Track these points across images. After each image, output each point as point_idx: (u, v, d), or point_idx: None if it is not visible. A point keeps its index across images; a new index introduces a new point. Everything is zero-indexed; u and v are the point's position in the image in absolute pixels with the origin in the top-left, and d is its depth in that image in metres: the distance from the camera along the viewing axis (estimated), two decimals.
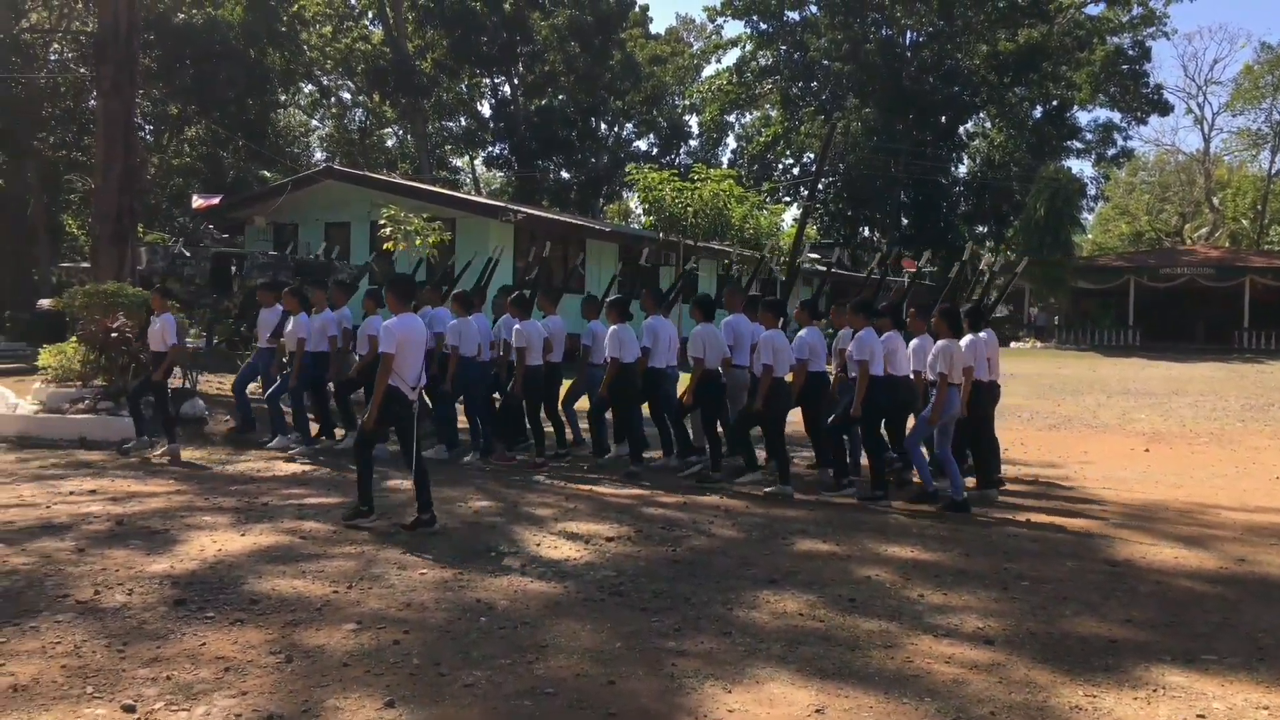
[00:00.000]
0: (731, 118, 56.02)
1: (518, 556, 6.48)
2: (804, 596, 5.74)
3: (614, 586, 5.84)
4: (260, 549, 6.51)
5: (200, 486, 8.60)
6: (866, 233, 53.46)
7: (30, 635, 4.77)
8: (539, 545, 6.79)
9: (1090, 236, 61.38)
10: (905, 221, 51.66)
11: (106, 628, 4.92)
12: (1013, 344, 39.11)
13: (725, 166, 45.17)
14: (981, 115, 51.99)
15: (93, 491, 8.26)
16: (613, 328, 9.56)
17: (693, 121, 57.22)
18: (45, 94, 28.61)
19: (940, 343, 8.36)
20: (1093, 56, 46.81)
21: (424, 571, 6.05)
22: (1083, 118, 51.32)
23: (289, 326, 10.50)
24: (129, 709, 3.98)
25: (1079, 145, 51.65)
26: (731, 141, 58.51)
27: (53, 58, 31.68)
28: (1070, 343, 36.95)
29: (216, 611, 5.20)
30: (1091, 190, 52.76)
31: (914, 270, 40.77)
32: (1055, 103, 49.29)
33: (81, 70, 28.80)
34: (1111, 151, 51.85)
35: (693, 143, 57.14)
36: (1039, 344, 37.80)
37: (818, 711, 4.16)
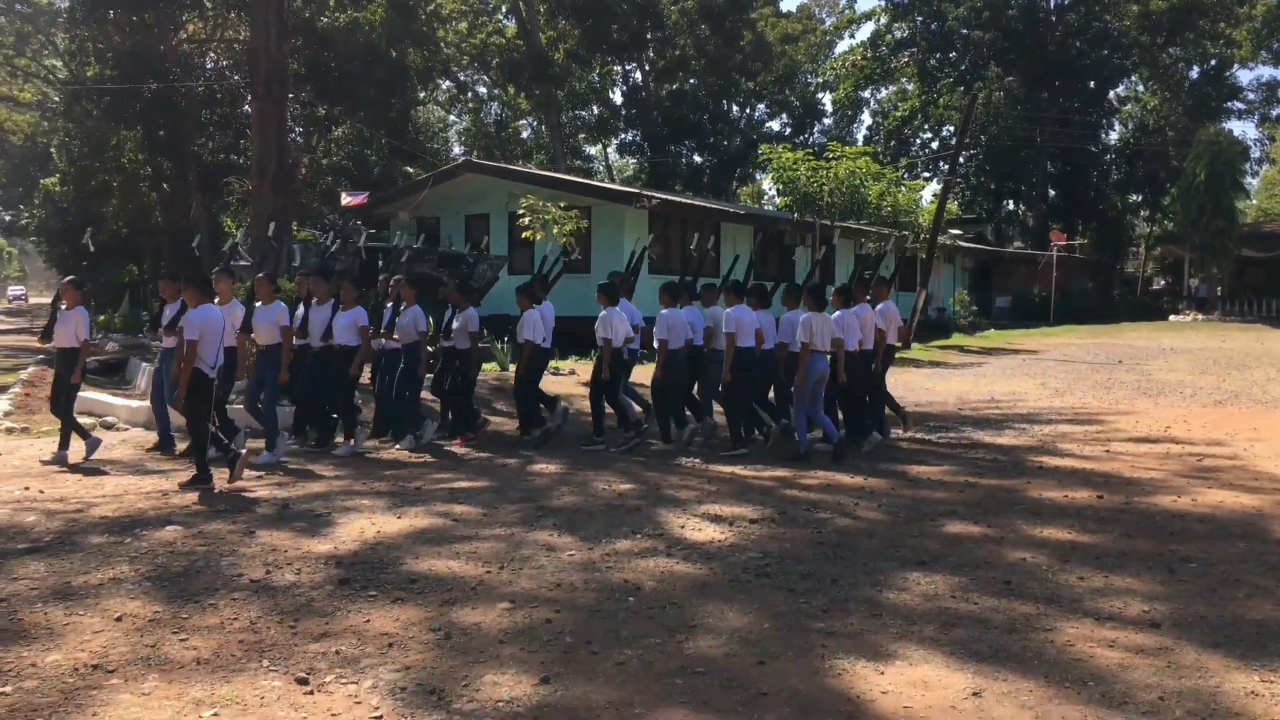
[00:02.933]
0: (866, 93, 54.95)
1: (662, 539, 6.53)
2: (955, 579, 5.62)
3: (760, 568, 5.84)
4: (415, 531, 6.75)
5: (356, 472, 8.96)
6: (1011, 206, 51.73)
7: (210, 611, 5.07)
8: (683, 527, 6.83)
9: (1255, 202, 57.91)
10: (1052, 193, 49.75)
11: (278, 605, 5.18)
12: (1171, 317, 37.29)
13: (860, 144, 44.36)
14: (1133, 79, 49.65)
15: (259, 477, 8.70)
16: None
17: (826, 99, 56.37)
18: (203, 101, 30.14)
19: (803, 315, 9.53)
20: (1254, 11, 44.03)
21: (572, 553, 6.16)
22: (1244, 76, 49.02)
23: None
24: (302, 681, 4.19)
25: (1240, 106, 48.79)
26: (866, 118, 57.43)
27: (209, 66, 33.37)
28: (1234, 314, 35.01)
29: (378, 590, 5.42)
30: (1255, 153, 49.77)
31: (1064, 243, 39.26)
32: (1213, 62, 46.63)
33: (235, 77, 30.23)
34: (1276, 111, 48.75)
35: (826, 121, 56.34)
36: (1200, 316, 35.93)
37: (975, 695, 4.07)
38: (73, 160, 32.75)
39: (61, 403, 9.55)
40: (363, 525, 6.85)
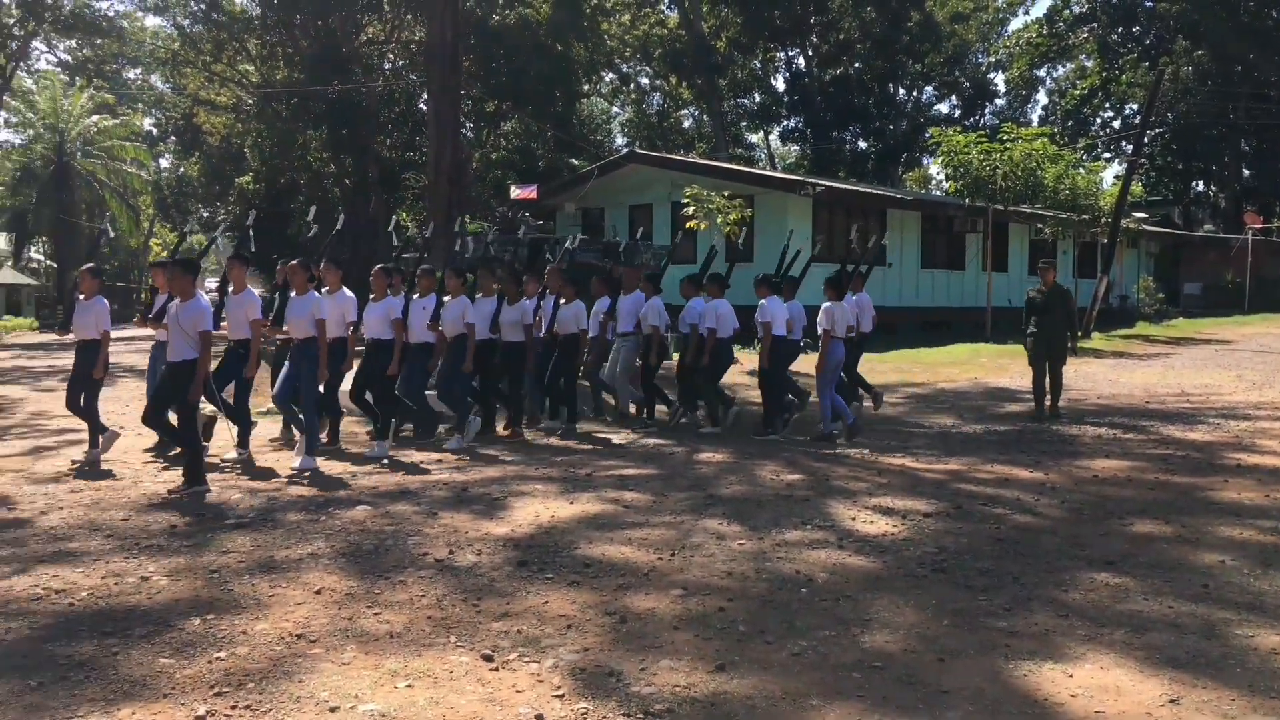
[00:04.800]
0: (1042, 72, 52.69)
1: (833, 530, 6.48)
2: (1146, 581, 5.37)
3: (936, 563, 5.72)
4: (587, 516, 6.90)
5: (528, 458, 9.22)
6: (1200, 188, 48.71)
7: (400, 588, 5.33)
8: (854, 519, 6.75)
9: None
10: (1246, 173, 46.56)
11: (462, 584, 5.40)
12: None
13: (1035, 125, 42.59)
14: None
15: (438, 461, 9.06)
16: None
17: (999, 79, 54.31)
18: (382, 100, 31.45)
19: (825, 304, 10.31)
20: None
21: (741, 542, 6.18)
22: None
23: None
24: (488, 658, 4.36)
25: None
26: (1042, 98, 55.10)
27: (387, 66, 34.79)
28: None
29: (554, 573, 5.57)
30: None
31: (1260, 226, 36.67)
32: None
33: (412, 76, 31.42)
34: None
35: (999, 102, 54.25)
36: None
37: (1172, 702, 3.89)
38: (264, 159, 34.75)
39: (78, 398, 8.93)
40: (537, 509, 7.05)
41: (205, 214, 48.43)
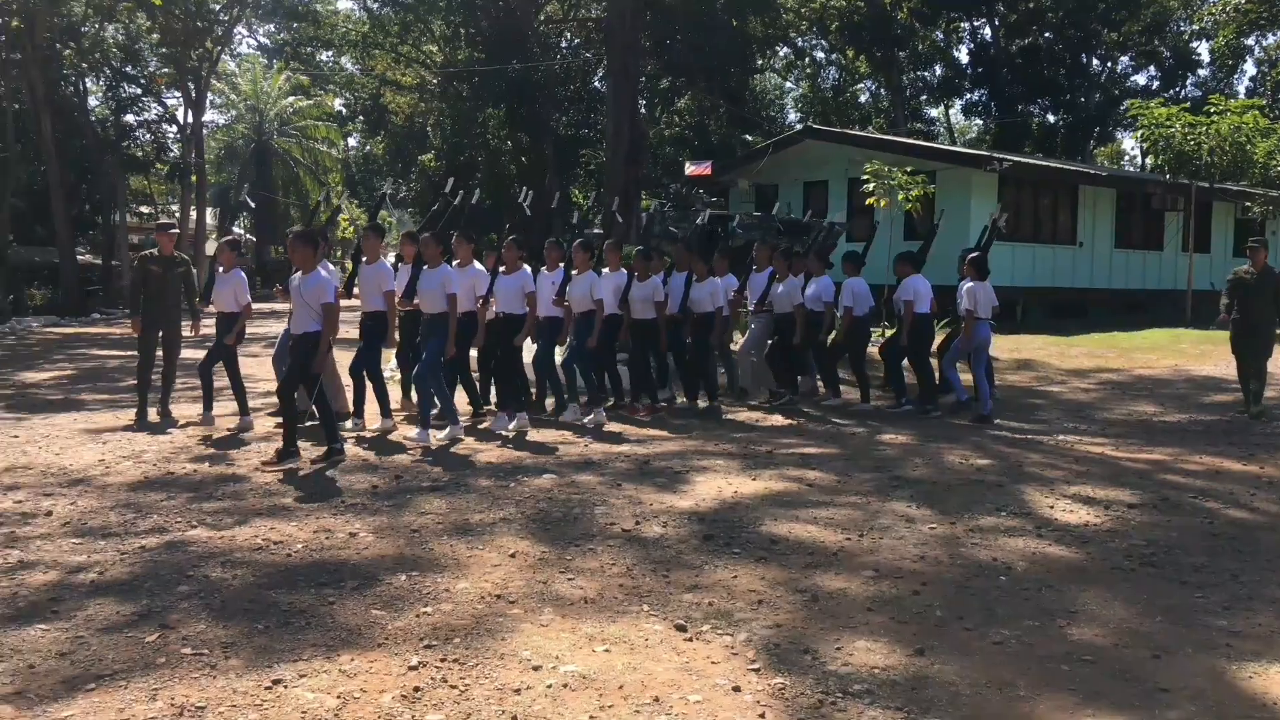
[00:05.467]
0: (1250, 40, 48.93)
1: (1030, 518, 6.24)
2: None
3: (1145, 556, 5.44)
4: (771, 494, 6.87)
5: (706, 434, 9.24)
6: None
7: (590, 555, 5.43)
8: (1051, 508, 6.49)
9: None
10: None
11: (650, 555, 5.47)
12: None
13: (1242, 97, 39.74)
14: None
15: (618, 435, 9.19)
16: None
17: (1202, 49, 50.82)
18: (559, 79, 31.98)
19: (966, 284, 10.05)
20: None
21: (933, 526, 6.03)
22: None
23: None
24: (680, 628, 4.39)
25: None
26: (1250, 68, 51.19)
27: (564, 45, 35.33)
28: None
29: (741, 548, 5.57)
30: None
31: None
32: None
33: (588, 54, 31.81)
34: None
35: (1201, 73, 50.78)
36: None
37: None
38: (445, 138, 35.94)
39: (211, 366, 9.34)
40: (719, 485, 7.06)
41: (389, 190, 50.54)
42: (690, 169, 21.77)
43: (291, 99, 52.28)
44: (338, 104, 50.95)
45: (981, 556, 5.45)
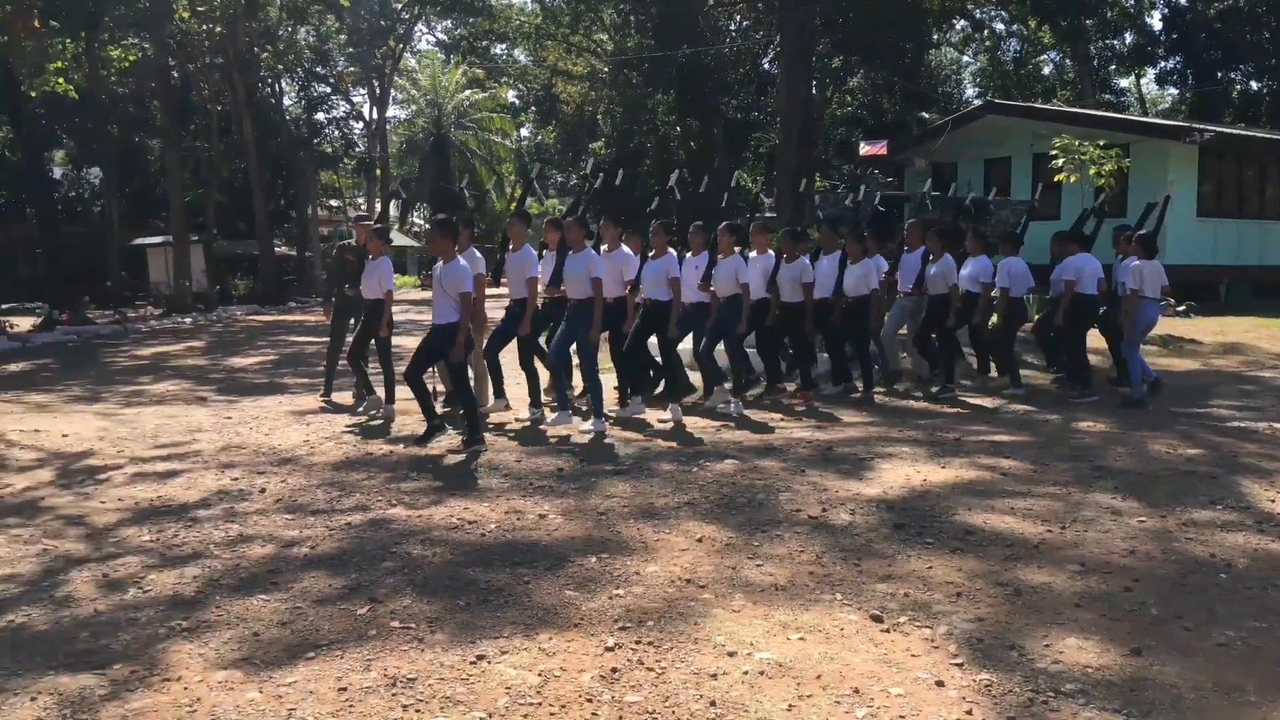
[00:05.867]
0: None
1: (1249, 512, 5.83)
2: None
3: None
4: (963, 482, 6.64)
5: (889, 420, 9.02)
6: None
7: (778, 542, 5.38)
8: (1273, 501, 6.04)
9: None
10: None
11: (839, 543, 5.37)
12: None
13: None
14: None
15: (797, 421, 9.08)
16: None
17: None
18: (729, 61, 31.80)
19: (1134, 262, 9.47)
20: None
21: (1141, 519, 5.70)
22: None
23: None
24: (876, 619, 4.30)
25: None
26: None
27: (732, 28, 35.10)
28: None
29: (934, 538, 5.41)
30: None
31: None
32: None
33: (759, 34, 31.47)
34: None
35: None
36: None
37: None
38: (615, 125, 36.30)
39: (358, 352, 9.52)
40: (907, 472, 6.88)
41: (560, 178, 51.57)
42: (865, 149, 21.27)
43: (468, 92, 53.89)
44: (511, 95, 52.28)
45: (1197, 552, 5.12)
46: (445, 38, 45.60)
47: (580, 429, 8.44)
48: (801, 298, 9.88)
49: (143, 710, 3.54)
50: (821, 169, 21.72)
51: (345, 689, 3.68)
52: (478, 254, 9.07)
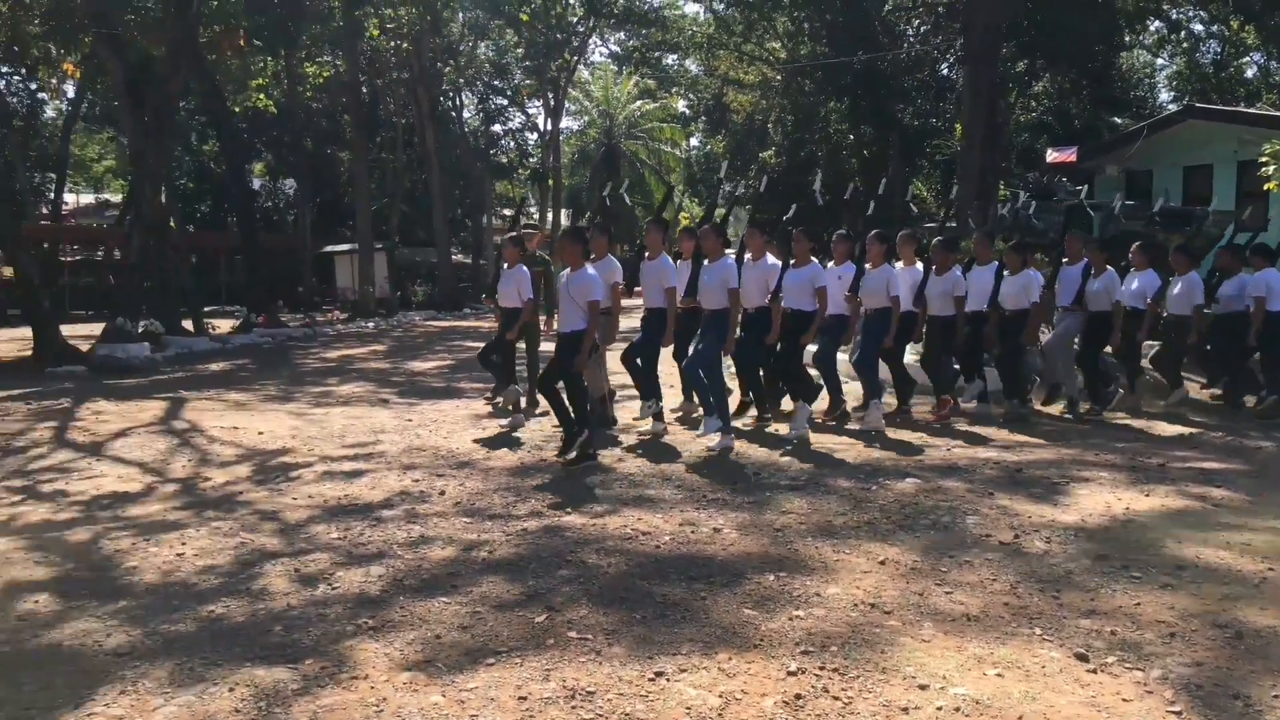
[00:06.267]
0: None
1: None
2: None
3: None
4: (1170, 511, 6.17)
5: (1084, 441, 8.50)
6: None
7: (967, 568, 5.10)
8: None
9: None
10: None
11: (1034, 572, 5.05)
12: None
13: None
14: None
15: (982, 439, 8.67)
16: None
17: None
18: (906, 67, 31.03)
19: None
20: None
21: None
22: None
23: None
24: (1081, 657, 3.99)
25: None
26: None
27: (910, 33, 34.25)
28: None
29: (1141, 572, 5.01)
30: None
31: None
32: None
33: (938, 39, 30.59)
34: None
35: None
36: None
37: None
38: (786, 133, 35.95)
39: (490, 354, 9.68)
40: (1107, 499, 6.44)
41: (727, 188, 51.49)
42: (1052, 155, 20.31)
43: (639, 103, 54.52)
44: (681, 105, 52.61)
45: None
46: (618, 50, 46.29)
47: (708, 444, 8.19)
48: (952, 311, 9.45)
49: (332, 707, 3.60)
50: (1006, 177, 20.80)
51: (525, 698, 3.66)
52: (616, 262, 8.98)
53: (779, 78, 35.99)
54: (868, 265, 9.26)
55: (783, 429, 8.76)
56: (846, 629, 4.30)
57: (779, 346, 8.78)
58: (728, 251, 8.81)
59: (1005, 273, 9.64)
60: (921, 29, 33.68)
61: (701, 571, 5.06)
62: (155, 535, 5.89)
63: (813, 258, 8.84)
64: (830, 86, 31.27)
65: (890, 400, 9.68)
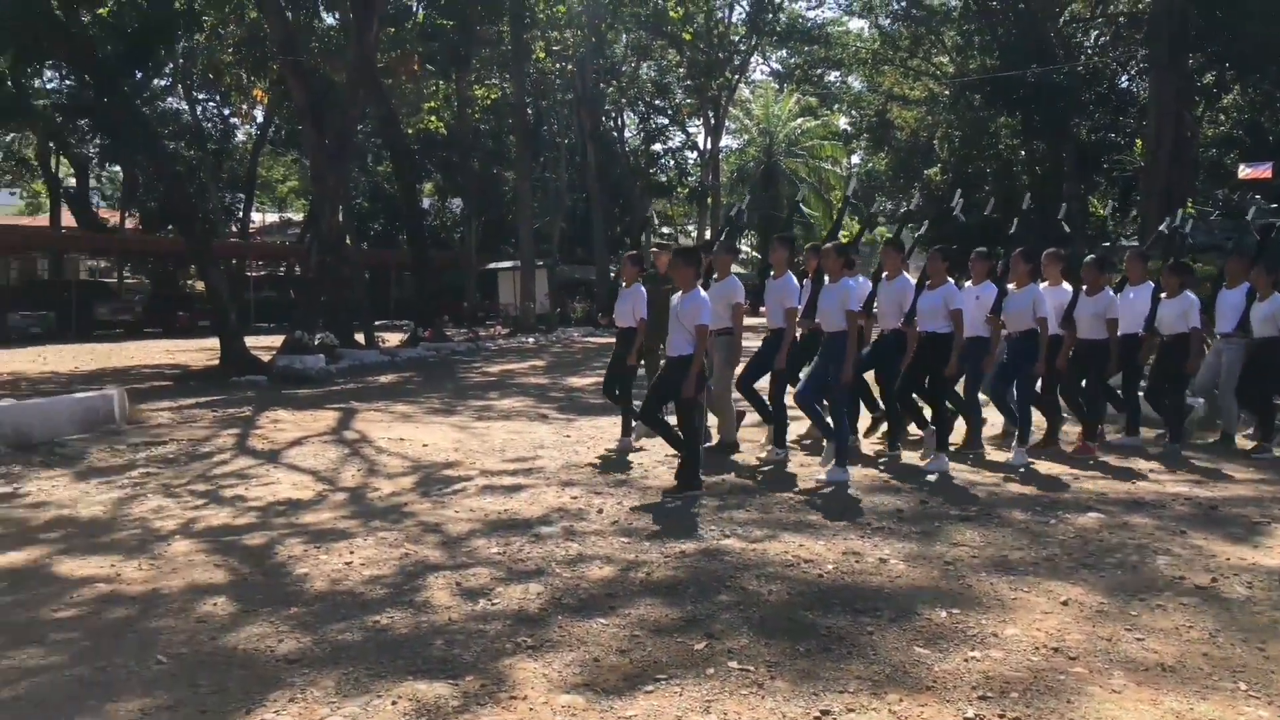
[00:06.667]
0: None
1: None
2: None
3: None
4: None
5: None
6: None
7: (1159, 613, 4.72)
8: None
9: None
10: None
11: (1235, 620, 4.63)
12: None
13: None
14: None
15: (1167, 475, 8.11)
16: None
17: None
18: (1082, 80, 29.73)
19: None
20: None
21: None
22: None
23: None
24: None
25: None
26: None
27: (1087, 45, 32.83)
28: None
29: None
30: None
31: None
32: None
33: (1115, 51, 29.22)
34: None
35: None
36: None
37: None
38: (952, 150, 34.95)
39: (614, 385, 8.98)
40: None
41: (890, 205, 50.52)
42: (1244, 171, 19.03)
43: (799, 120, 54.09)
44: (842, 122, 51.92)
45: None
46: (780, 67, 46.07)
47: (818, 477, 7.72)
48: (1103, 334, 8.83)
49: None
50: (1193, 193, 19.58)
51: None
52: (738, 282, 8.73)
53: (947, 93, 35.04)
54: (1011, 285, 8.70)
55: (916, 458, 8.32)
56: (1028, 674, 4.02)
57: (927, 375, 8.30)
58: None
59: (1162, 295, 9.01)
60: (1100, 40, 32.25)
61: (868, 604, 4.84)
62: (325, 543, 6.06)
63: (949, 278, 8.35)
64: (1000, 101, 30.23)
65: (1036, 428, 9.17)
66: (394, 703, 3.78)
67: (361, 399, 13.62)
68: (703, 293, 7.42)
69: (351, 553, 5.83)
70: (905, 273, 8.65)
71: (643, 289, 8.91)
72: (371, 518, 6.72)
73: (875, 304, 8.69)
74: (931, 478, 7.80)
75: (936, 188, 38.13)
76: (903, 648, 4.30)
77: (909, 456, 8.61)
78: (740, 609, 4.79)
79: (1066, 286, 9.01)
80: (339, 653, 4.30)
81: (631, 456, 8.74)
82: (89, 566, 5.68)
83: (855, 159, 54.89)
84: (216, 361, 17.64)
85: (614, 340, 9.40)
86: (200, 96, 39.96)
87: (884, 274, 8.58)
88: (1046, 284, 8.94)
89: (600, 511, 6.76)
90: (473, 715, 3.68)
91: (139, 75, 25.23)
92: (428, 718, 3.66)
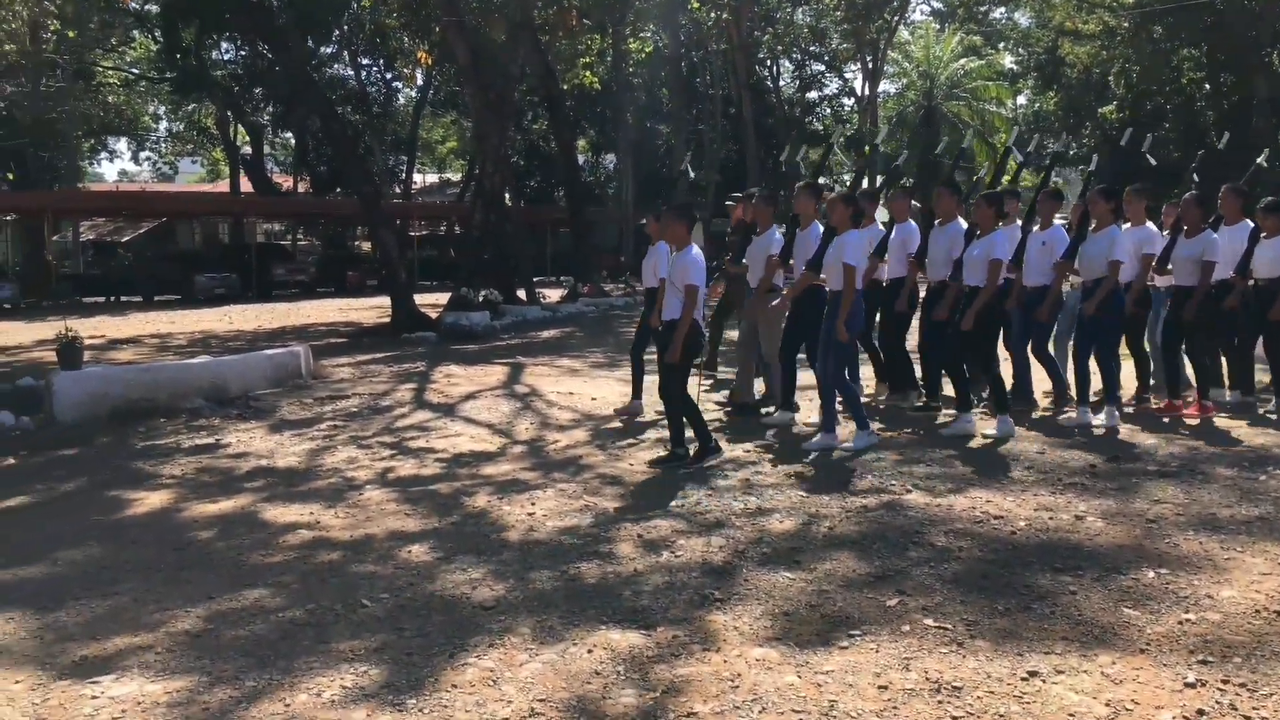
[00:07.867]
0: None
1: None
2: None
3: None
4: None
5: None
6: None
7: None
8: None
9: None
10: None
11: None
12: None
13: None
14: None
15: None
16: None
17: None
18: (1276, 6, 27.51)
19: None
20: None
21: None
22: None
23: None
24: None
25: None
26: None
27: None
28: None
29: None
30: None
31: None
32: None
33: None
34: None
35: None
36: None
37: None
38: (1130, 86, 32.96)
39: (641, 351, 8.68)
40: None
41: (1053, 147, 48.21)
42: None
43: (962, 61, 51.87)
44: (1008, 61, 49.68)
45: None
46: (941, 5, 44.26)
47: (841, 447, 7.05)
48: (1197, 280, 7.86)
49: (689, 678, 3.59)
50: None
51: (886, 687, 3.47)
52: (779, 234, 8.23)
53: (1125, 25, 32.98)
54: (1091, 228, 7.64)
55: (990, 426, 7.47)
56: (1249, 638, 3.78)
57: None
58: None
59: (1262, 236, 7.97)
60: None
61: (1067, 562, 4.64)
62: (509, 494, 6.20)
63: (1000, 224, 7.47)
64: (1185, 31, 28.29)
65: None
66: (590, 651, 3.84)
67: (527, 354, 13.89)
68: (696, 251, 6.89)
69: (533, 504, 5.94)
70: (1008, 223, 7.85)
71: (665, 247, 7.65)
72: (550, 470, 6.84)
73: (926, 253, 8.07)
74: (983, 437, 7.24)
75: (1112, 126, 36.10)
76: (1110, 608, 4.11)
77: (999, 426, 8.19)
78: (930, 565, 4.67)
79: (1150, 226, 8.08)
80: (532, 600, 4.39)
81: (797, 416, 8.38)
82: (291, 514, 5.98)
83: (1021, 99, 52.52)
84: (387, 319, 18.28)
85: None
86: (364, 62, 41.23)
87: (936, 220, 8.01)
88: (1128, 224, 7.98)
89: (774, 464, 6.69)
90: (669, 666, 3.70)
91: (309, 43, 26.20)
92: (625, 667, 3.70)
